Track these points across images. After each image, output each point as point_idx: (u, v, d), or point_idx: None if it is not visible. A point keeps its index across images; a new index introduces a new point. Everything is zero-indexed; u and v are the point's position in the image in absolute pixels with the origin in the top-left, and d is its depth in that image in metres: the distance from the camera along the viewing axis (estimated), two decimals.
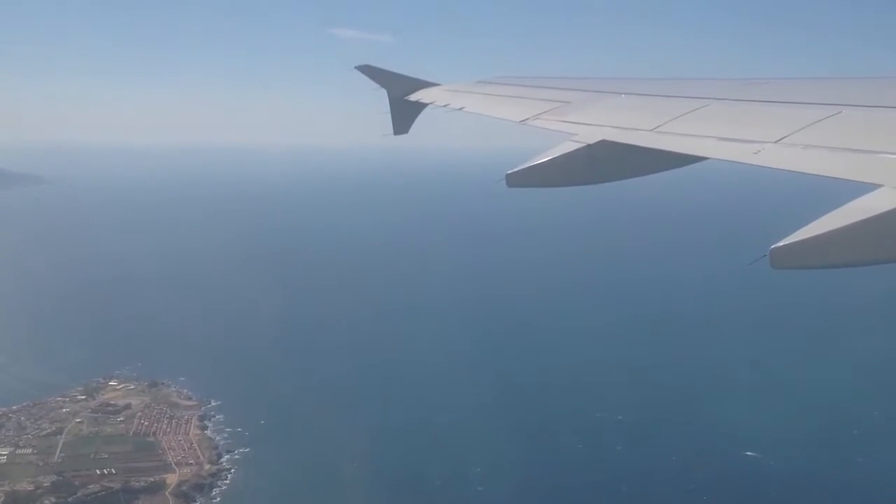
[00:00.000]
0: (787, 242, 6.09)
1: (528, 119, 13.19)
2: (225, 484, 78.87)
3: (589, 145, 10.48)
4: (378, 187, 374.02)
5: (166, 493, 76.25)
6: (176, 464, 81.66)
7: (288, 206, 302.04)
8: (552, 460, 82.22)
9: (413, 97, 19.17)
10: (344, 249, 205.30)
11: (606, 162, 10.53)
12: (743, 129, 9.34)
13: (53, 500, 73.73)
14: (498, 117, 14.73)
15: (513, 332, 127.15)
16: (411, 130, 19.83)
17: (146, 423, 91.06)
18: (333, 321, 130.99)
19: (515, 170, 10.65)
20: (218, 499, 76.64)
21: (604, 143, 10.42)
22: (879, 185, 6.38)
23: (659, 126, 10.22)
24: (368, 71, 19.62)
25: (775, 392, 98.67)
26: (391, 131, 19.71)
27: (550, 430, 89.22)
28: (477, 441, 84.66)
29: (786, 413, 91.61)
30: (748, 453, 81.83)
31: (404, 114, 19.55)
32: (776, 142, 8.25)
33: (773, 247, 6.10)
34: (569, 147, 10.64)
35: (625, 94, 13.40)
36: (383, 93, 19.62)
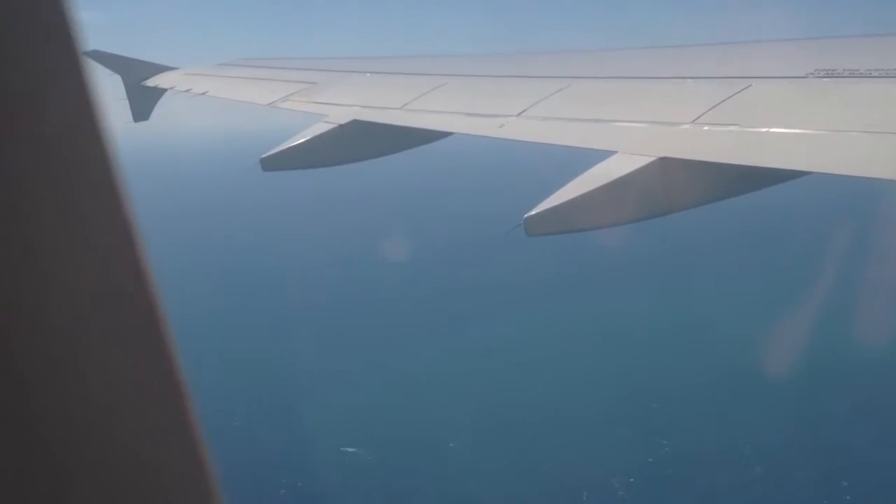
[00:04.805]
0: (538, 210, 6.38)
1: (275, 101, 12.85)
2: None
3: (341, 125, 10.43)
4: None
5: None
6: None
7: None
8: None
9: (150, 82, 18.04)
10: None
11: (359, 141, 10.55)
12: (487, 104, 9.63)
13: None
14: (244, 101, 14.22)
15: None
16: (153, 116, 18.67)
17: None
18: None
19: (270, 153, 10.43)
20: None
21: (355, 123, 10.42)
22: (614, 152, 6.81)
23: (407, 104, 10.31)
24: (98, 56, 18.18)
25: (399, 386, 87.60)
26: (131, 118, 18.45)
27: None
28: None
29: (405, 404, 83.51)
30: (348, 449, 72.59)
31: (143, 100, 18.36)
32: (518, 115, 8.56)
33: (526, 215, 6.34)
34: (321, 128, 10.56)
35: (369, 73, 13.40)
36: (118, 77, 18.31)
